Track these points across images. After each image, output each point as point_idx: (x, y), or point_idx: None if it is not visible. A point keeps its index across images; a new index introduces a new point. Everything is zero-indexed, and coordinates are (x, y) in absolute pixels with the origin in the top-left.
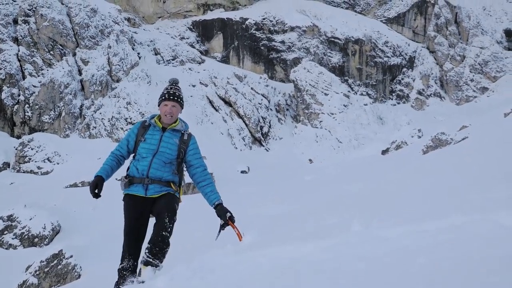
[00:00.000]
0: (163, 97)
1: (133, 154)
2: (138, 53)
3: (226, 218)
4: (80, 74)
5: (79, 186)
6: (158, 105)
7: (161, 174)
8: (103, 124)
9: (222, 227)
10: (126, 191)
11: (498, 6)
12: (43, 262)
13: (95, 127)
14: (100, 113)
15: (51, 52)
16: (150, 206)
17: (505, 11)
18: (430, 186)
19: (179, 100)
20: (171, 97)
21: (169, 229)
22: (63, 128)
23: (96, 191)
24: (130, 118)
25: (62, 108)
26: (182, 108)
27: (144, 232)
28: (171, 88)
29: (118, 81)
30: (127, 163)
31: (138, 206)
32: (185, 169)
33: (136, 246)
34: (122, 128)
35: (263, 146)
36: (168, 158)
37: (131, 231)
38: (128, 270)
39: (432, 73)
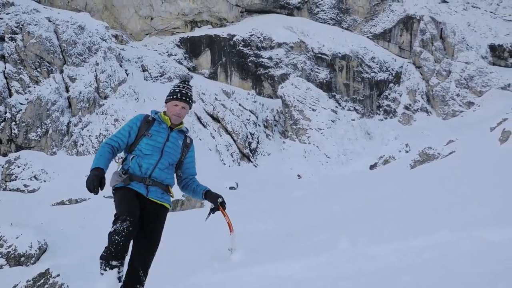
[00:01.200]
0: (175, 96)
1: (129, 149)
2: (126, 70)
3: (217, 202)
4: (67, 91)
5: (66, 204)
6: (166, 102)
7: (165, 176)
8: (91, 141)
9: (212, 210)
10: (126, 185)
11: (482, 22)
12: (30, 281)
13: (82, 144)
14: (88, 130)
15: (38, 69)
16: (147, 207)
17: (489, 26)
18: (418, 202)
19: (190, 101)
20: (183, 98)
21: (143, 282)
22: (50, 146)
23: (100, 186)
24: None
25: (49, 125)
26: (190, 108)
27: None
28: (183, 87)
29: (105, 98)
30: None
31: (137, 199)
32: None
33: (136, 210)
34: None
35: (252, 162)
36: (173, 160)
37: (132, 205)
38: (121, 235)
39: (418, 88)
